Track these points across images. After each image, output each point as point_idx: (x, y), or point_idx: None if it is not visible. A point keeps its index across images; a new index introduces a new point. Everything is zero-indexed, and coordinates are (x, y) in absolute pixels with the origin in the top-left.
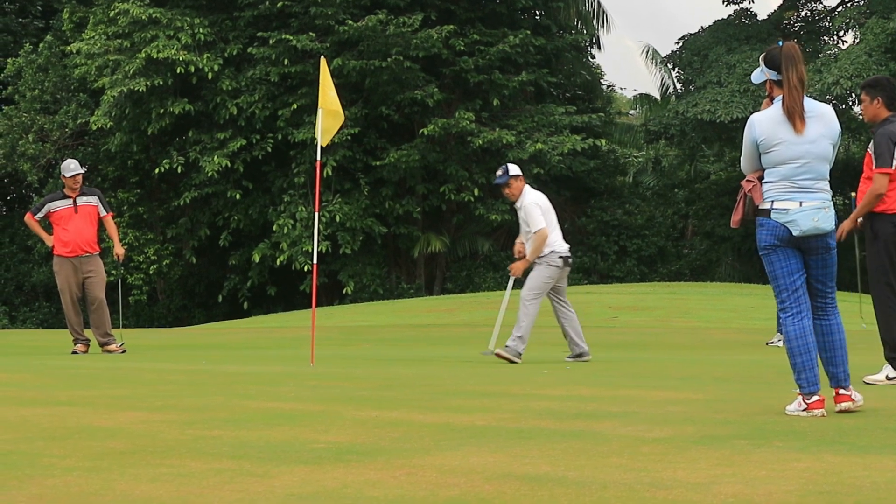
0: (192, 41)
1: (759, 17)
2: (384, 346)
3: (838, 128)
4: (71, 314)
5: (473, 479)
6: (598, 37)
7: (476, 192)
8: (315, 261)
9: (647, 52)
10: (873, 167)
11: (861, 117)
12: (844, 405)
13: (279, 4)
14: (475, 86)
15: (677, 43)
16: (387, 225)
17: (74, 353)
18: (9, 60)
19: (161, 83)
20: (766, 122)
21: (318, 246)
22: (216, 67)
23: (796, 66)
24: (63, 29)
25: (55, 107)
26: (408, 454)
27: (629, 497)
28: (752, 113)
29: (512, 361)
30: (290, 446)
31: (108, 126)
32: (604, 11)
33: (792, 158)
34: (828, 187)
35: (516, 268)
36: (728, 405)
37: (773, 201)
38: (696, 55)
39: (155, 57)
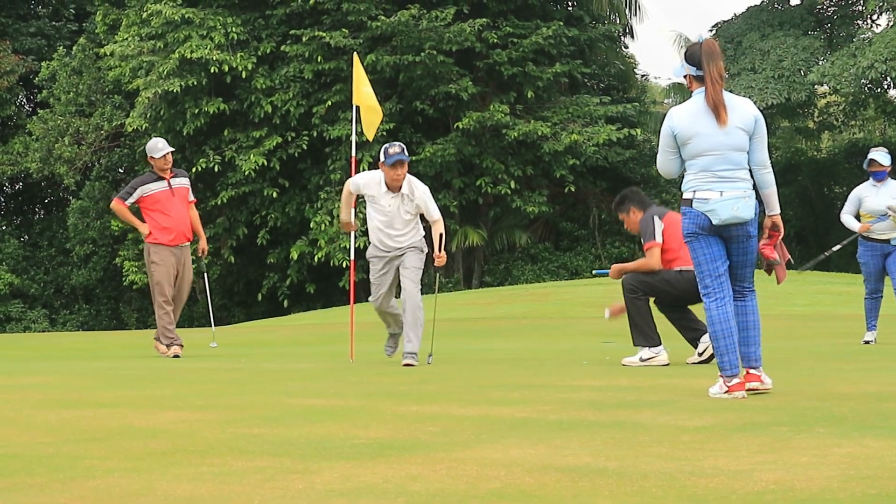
0: (226, 40)
1: (793, 3)
2: (423, 340)
3: (753, 117)
4: (166, 312)
5: (514, 471)
6: (632, 26)
7: (512, 184)
8: (353, 257)
9: (680, 40)
10: (644, 244)
11: None
12: (753, 384)
13: (311, 2)
14: (509, 78)
15: (710, 30)
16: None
17: (176, 356)
18: (43, 64)
19: (195, 83)
20: (683, 115)
21: (355, 242)
22: (250, 66)
23: (716, 62)
24: (96, 31)
25: (90, 109)
26: (448, 448)
27: (670, 486)
28: (787, 99)
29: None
30: (330, 442)
31: (144, 127)
32: (636, 0)
33: (708, 150)
34: (747, 176)
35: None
36: (768, 392)
37: (695, 191)
38: (730, 42)
39: (189, 57)
